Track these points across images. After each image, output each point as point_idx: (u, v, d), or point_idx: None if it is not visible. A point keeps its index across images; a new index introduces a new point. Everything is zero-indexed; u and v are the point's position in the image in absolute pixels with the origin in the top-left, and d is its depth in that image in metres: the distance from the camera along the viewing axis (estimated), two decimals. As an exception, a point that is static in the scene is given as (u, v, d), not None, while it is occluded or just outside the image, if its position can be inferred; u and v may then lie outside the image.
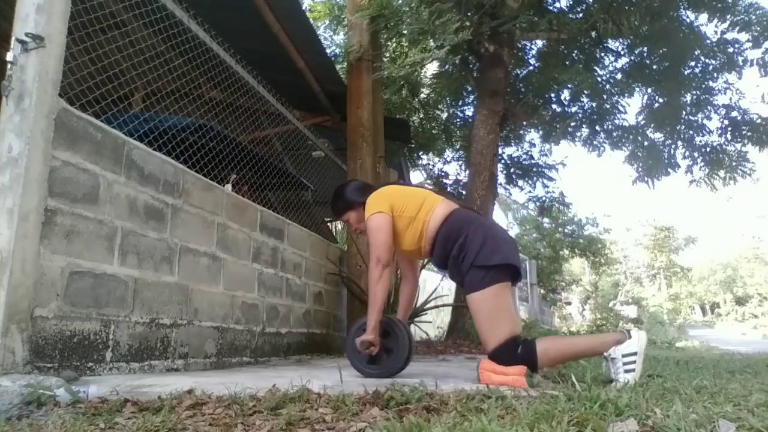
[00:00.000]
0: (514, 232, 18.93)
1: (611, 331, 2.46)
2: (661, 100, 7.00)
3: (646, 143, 7.35)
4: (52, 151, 1.99)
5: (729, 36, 6.35)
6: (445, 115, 8.49)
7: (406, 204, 2.36)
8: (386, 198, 2.40)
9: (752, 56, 6.35)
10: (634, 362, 1.97)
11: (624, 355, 1.99)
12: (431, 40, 5.11)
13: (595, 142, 7.55)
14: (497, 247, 2.15)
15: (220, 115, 4.07)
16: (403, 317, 2.63)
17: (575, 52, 6.78)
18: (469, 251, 2.16)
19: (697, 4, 6.10)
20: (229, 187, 3.56)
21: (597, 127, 7.36)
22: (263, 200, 4.04)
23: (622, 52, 7.02)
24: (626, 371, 1.96)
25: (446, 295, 7.43)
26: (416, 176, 9.69)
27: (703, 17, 6.39)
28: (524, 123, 7.17)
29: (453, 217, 2.29)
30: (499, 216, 18.60)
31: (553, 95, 7.08)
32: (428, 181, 9.13)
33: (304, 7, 6.37)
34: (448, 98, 7.86)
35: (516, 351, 2.05)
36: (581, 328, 15.20)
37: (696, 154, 7.16)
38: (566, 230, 17.93)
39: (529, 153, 8.23)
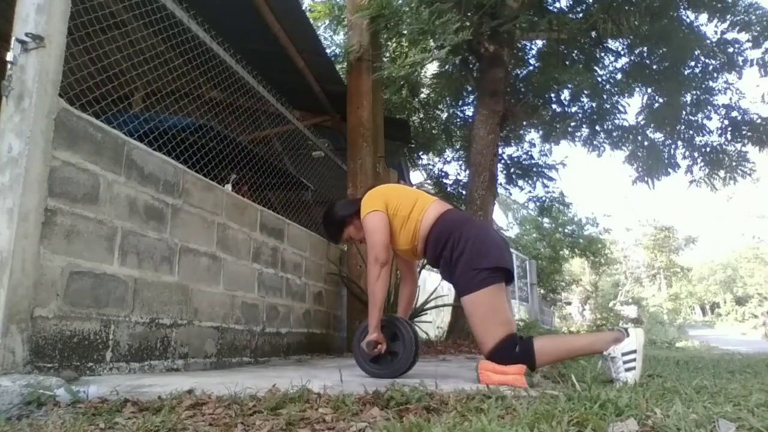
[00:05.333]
0: (514, 232, 18.92)
1: (609, 330, 2.46)
2: (661, 100, 6.99)
3: (646, 143, 7.34)
4: (52, 151, 1.99)
5: (729, 36, 6.35)
6: (445, 115, 8.49)
7: (400, 202, 2.35)
8: (380, 197, 2.38)
9: (752, 56, 6.36)
10: (634, 360, 1.98)
11: (624, 354, 1.99)
12: (431, 40, 5.11)
13: (595, 142, 7.55)
14: (489, 250, 2.14)
15: (220, 115, 4.07)
16: (403, 316, 2.63)
17: (575, 52, 6.78)
18: (462, 253, 2.14)
19: (697, 4, 6.10)
20: (229, 187, 3.56)
21: (597, 127, 7.36)
22: (263, 200, 4.04)
23: (622, 52, 7.02)
24: (626, 369, 1.97)
25: (446, 295, 7.41)
26: (416, 176, 9.68)
27: (703, 17, 6.39)
28: (524, 123, 7.16)
29: (445, 218, 2.27)
30: (499, 216, 18.59)
31: (553, 95, 7.08)
32: (428, 181, 9.13)
33: (304, 7, 6.37)
34: (448, 98, 7.86)
35: (513, 350, 2.05)
36: (581, 328, 15.18)
37: (696, 154, 7.16)
38: (566, 230, 17.90)
39: (529, 153, 8.24)
